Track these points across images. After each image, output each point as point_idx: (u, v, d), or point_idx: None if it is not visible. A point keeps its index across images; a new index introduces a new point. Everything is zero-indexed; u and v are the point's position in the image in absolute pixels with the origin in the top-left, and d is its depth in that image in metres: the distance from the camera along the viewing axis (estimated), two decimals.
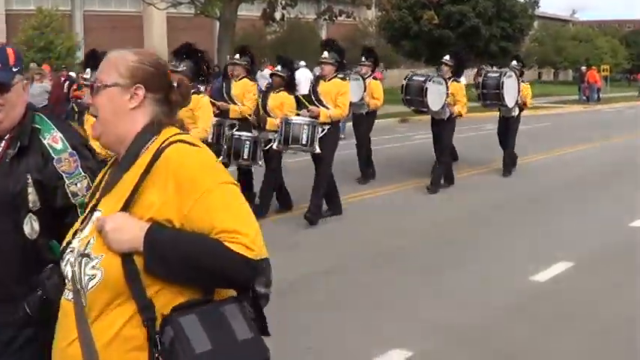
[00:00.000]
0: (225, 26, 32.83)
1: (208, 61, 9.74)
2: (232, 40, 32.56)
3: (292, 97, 11.60)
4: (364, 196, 13.83)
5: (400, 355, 6.36)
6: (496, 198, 13.79)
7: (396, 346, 6.47)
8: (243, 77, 12.13)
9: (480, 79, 16.28)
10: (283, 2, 35.80)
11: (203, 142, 2.87)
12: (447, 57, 14.75)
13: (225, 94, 12.20)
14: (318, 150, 11.06)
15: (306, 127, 11.05)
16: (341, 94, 11.41)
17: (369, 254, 9.75)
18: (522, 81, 16.25)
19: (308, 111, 11.32)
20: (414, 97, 14.44)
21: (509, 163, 16.25)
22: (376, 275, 8.76)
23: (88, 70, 9.91)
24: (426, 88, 14.07)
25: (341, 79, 12.40)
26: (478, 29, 43.93)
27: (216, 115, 11.32)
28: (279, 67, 12.01)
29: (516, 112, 16.12)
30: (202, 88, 10.26)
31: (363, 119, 15.42)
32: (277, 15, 37.45)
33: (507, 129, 16.31)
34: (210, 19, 34.97)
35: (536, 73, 75.06)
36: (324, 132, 11.23)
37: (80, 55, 35.70)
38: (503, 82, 15.37)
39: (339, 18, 38.90)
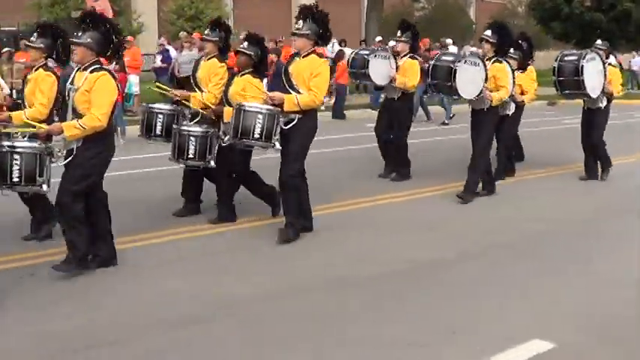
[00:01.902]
0: (373, 2, 33.01)
1: (117, 33, 8.09)
2: (380, 16, 32.74)
3: (258, 80, 9.82)
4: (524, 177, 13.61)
5: (541, 345, 6.21)
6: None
7: (537, 336, 6.35)
8: (213, 57, 10.19)
9: (556, 64, 13.44)
10: None
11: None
12: (489, 32, 11.98)
13: (192, 78, 10.61)
14: (277, 146, 9.22)
15: (261, 116, 9.15)
16: (315, 74, 9.16)
17: (507, 240, 9.55)
18: (610, 64, 13.60)
19: (267, 97, 9.36)
20: (442, 81, 11.81)
21: (593, 165, 13.57)
22: (515, 262, 8.61)
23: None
24: (455, 70, 11.44)
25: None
26: (630, 13, 42.67)
27: (174, 103, 10.45)
28: (244, 44, 9.88)
29: (604, 102, 13.27)
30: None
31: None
32: None
33: (591, 123, 13.47)
34: None
35: None
36: (292, 123, 9.21)
37: (229, 24, 36.46)
38: (582, 67, 12.74)
39: None
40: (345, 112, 24.28)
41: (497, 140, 12.81)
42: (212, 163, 9.83)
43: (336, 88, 23.50)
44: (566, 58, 13.19)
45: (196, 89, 10.17)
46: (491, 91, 11.54)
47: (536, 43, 37.13)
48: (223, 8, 36.17)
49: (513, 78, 12.39)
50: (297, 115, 9.15)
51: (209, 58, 10.20)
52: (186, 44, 23.45)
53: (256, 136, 9.11)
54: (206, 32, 10.46)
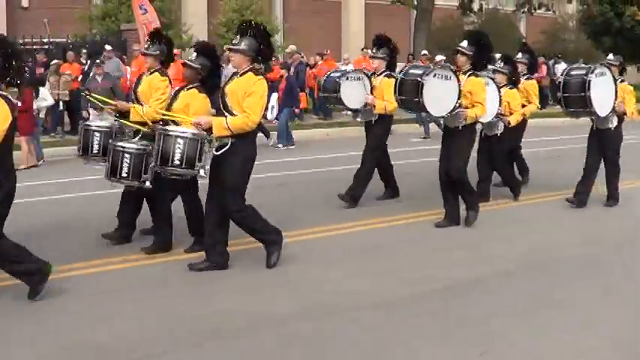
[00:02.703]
0: (421, 15, 32.93)
1: (17, 57, 7.50)
2: (429, 29, 32.64)
3: (204, 96, 9.06)
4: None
5: None
6: None
7: (579, 357, 6.31)
8: (155, 71, 9.60)
9: (561, 79, 12.35)
10: None
11: None
12: (465, 43, 10.89)
13: (133, 93, 10.12)
14: (202, 174, 8.53)
15: (181, 141, 8.39)
16: (249, 94, 8.30)
17: (543, 259, 9.41)
18: (622, 80, 12.33)
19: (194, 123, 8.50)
20: (409, 97, 10.75)
21: (613, 193, 12.49)
22: (550, 279, 8.52)
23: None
24: (422, 85, 10.39)
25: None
26: None
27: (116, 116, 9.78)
28: (192, 56, 9.28)
29: (614, 122, 11.95)
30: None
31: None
32: (475, 5, 37.24)
33: (602, 145, 12.23)
34: (408, 7, 35.10)
35: None
36: (225, 148, 8.35)
37: (278, 38, 36.56)
38: (589, 82, 11.58)
39: (538, 11, 38.29)
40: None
41: (490, 163, 12.61)
42: (147, 183, 8.98)
43: None
44: (572, 73, 12.18)
45: (137, 104, 9.61)
46: (466, 108, 10.59)
47: (586, 58, 36.80)
48: (273, 22, 36.21)
49: (500, 95, 12.02)
50: (231, 140, 8.30)
51: (151, 73, 9.63)
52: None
53: (176, 162, 8.38)
54: (145, 46, 10.14)
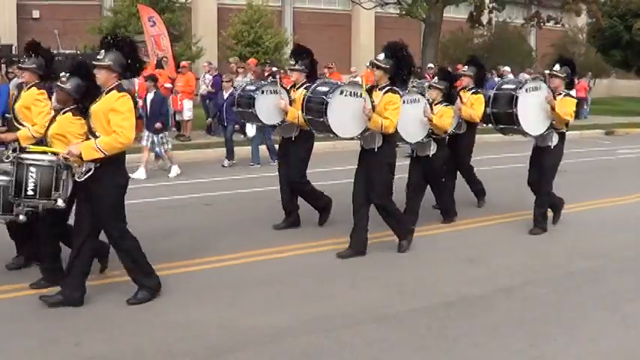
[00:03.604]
0: (430, 28, 32.97)
1: None
2: (437, 42, 32.67)
3: (79, 119, 8.06)
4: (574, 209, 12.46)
5: None
6: None
7: None
8: (32, 86, 8.98)
9: (492, 93, 11.58)
10: (490, 6, 35.55)
11: None
12: (382, 55, 9.85)
13: (11, 111, 9.45)
14: (59, 204, 7.72)
15: (34, 169, 7.63)
16: (113, 110, 7.59)
17: (554, 274, 9.35)
18: (568, 95, 11.32)
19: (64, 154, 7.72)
20: (315, 117, 9.96)
21: (541, 216, 11.47)
22: (562, 297, 8.47)
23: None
24: (327, 104, 9.67)
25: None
26: None
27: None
28: (64, 77, 8.30)
29: (554, 140, 11.13)
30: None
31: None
32: (484, 19, 37.23)
33: (541, 166, 11.33)
34: (417, 20, 35.13)
35: None
36: (88, 174, 7.58)
37: (288, 50, 36.64)
38: (517, 98, 10.83)
39: (547, 24, 38.25)
40: None
41: (428, 182, 11.71)
42: (21, 217, 7.97)
43: None
44: (503, 87, 11.50)
45: (16, 123, 8.99)
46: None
47: (596, 71, 36.73)
48: (283, 34, 36.31)
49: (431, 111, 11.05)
50: (94, 165, 7.56)
51: (28, 88, 9.03)
52: (241, 70, 23.48)
53: (29, 193, 7.62)
54: (21, 60, 9.46)
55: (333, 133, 9.79)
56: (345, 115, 9.62)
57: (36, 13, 35.69)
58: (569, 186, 13.42)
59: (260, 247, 10.19)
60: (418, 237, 10.60)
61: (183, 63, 24.07)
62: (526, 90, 10.93)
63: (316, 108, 9.78)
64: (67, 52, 26.05)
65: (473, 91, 12.41)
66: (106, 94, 7.68)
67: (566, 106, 10.90)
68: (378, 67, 9.74)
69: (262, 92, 11.51)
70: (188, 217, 12.26)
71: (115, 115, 7.53)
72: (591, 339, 7.09)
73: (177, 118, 22.49)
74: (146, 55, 24.18)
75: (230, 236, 10.82)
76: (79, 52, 26.51)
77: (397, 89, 9.81)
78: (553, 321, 7.54)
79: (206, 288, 8.51)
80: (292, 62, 11.34)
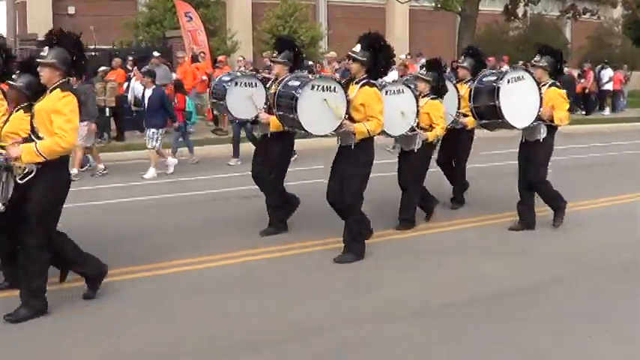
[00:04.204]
0: (466, 21, 32.81)
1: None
2: (473, 35, 32.51)
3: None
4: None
5: None
6: None
7: None
8: None
9: (472, 86, 10.85)
10: None
11: None
12: (358, 47, 9.24)
13: None
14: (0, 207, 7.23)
15: None
16: (55, 113, 7.20)
17: (603, 264, 9.24)
18: (554, 84, 10.53)
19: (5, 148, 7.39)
20: (285, 112, 9.43)
21: (529, 215, 10.83)
22: (601, 288, 8.37)
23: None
24: (297, 99, 9.07)
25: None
26: None
27: None
28: (15, 75, 8.11)
29: (542, 134, 10.47)
30: None
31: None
32: (520, 11, 37.04)
33: (529, 160, 10.64)
34: (452, 13, 35.03)
35: None
36: (30, 176, 7.22)
37: (323, 44, 36.65)
38: (498, 89, 10.07)
39: (583, 16, 38.01)
40: None
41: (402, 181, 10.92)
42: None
43: None
44: (484, 79, 10.61)
45: None
46: (358, 122, 9.11)
47: (631, 64, 36.45)
48: (317, 28, 36.33)
49: (417, 106, 10.36)
50: (36, 166, 7.17)
51: None
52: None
53: None
54: None
55: (305, 130, 9.26)
56: (317, 110, 9.06)
57: (71, 9, 35.99)
58: (614, 178, 13.30)
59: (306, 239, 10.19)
60: (464, 230, 10.60)
61: (220, 57, 24.15)
62: (508, 81, 10.17)
63: (286, 103, 9.25)
64: (104, 47, 26.27)
65: (470, 84, 11.44)
66: (50, 92, 7.32)
67: (557, 108, 10.24)
68: (354, 60, 9.21)
69: (236, 84, 10.85)
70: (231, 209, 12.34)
71: (58, 116, 7.15)
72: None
73: (214, 112, 22.55)
74: (183, 49, 24.31)
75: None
76: (115, 47, 26.68)
77: (374, 82, 9.27)
78: (603, 314, 7.46)
79: (246, 281, 8.54)
80: (274, 55, 10.44)
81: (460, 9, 33.04)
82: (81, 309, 7.58)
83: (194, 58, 23.91)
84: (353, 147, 9.16)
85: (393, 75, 18.25)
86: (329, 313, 7.46)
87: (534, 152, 10.54)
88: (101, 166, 16.28)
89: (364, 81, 9.14)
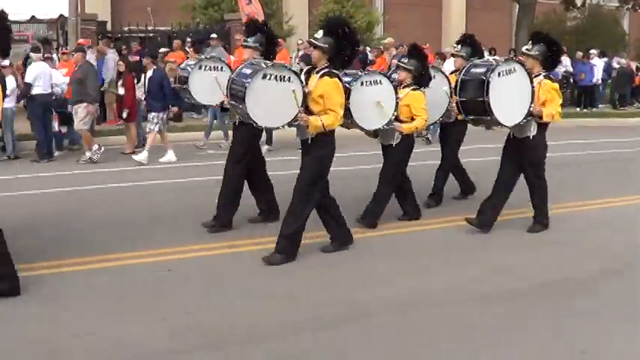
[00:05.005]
0: (524, 9, 32.59)
1: None
2: (531, 24, 32.28)
3: None
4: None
5: None
6: None
7: None
8: None
9: (459, 78, 9.83)
10: None
11: None
12: (320, 33, 8.49)
13: None
14: None
15: None
16: None
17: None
18: (548, 77, 9.75)
19: None
20: (238, 103, 8.93)
21: (491, 214, 10.07)
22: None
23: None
24: (245, 90, 8.52)
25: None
26: None
27: None
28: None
29: (533, 130, 9.64)
30: None
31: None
32: (578, 1, 36.69)
33: (524, 160, 9.91)
34: (509, 1, 34.80)
35: None
36: None
37: (379, 30, 36.59)
38: (488, 83, 9.15)
39: None
40: None
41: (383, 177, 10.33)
42: None
43: None
44: (472, 71, 9.64)
45: None
46: (318, 115, 8.40)
47: None
48: (374, 13, 36.26)
49: (396, 97, 9.73)
50: None
51: None
52: None
53: None
54: None
55: (254, 122, 8.67)
56: (269, 101, 8.47)
57: None
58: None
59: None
60: (509, 220, 10.47)
61: (279, 40, 24.20)
62: (499, 74, 9.26)
63: (237, 93, 8.73)
64: (162, 29, 26.52)
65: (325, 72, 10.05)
66: None
67: (549, 102, 9.58)
68: (315, 47, 8.44)
69: (200, 67, 10.56)
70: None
71: None
72: None
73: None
74: (241, 32, 24.40)
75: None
76: (174, 29, 26.93)
77: (335, 72, 8.46)
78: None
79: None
80: (245, 38, 9.79)
81: None
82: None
83: None
84: (310, 141, 8.50)
85: (449, 64, 18.03)
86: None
87: (528, 152, 9.81)
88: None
89: (325, 70, 8.41)
